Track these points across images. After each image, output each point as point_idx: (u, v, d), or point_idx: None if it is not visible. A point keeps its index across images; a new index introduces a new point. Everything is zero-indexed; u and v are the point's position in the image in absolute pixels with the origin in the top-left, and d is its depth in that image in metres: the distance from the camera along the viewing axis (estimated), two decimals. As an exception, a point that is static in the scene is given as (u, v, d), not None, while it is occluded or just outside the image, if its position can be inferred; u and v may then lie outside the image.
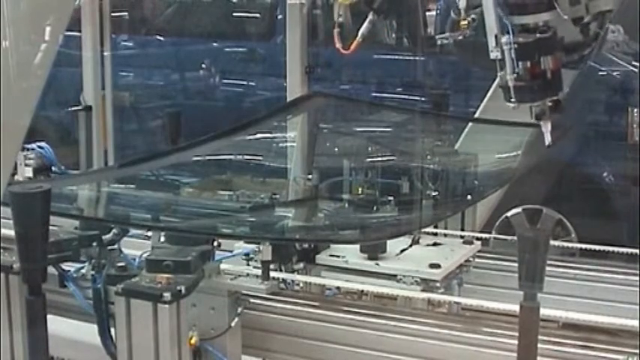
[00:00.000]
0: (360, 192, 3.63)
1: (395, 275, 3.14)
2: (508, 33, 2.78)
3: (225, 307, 2.94)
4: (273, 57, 5.96)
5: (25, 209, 2.62)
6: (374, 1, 3.65)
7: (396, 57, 6.13)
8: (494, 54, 2.85)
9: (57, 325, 3.05)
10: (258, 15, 6.77)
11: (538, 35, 2.79)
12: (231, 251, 3.16)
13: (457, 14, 3.23)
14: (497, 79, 2.91)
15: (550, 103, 2.88)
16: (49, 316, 2.77)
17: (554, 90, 2.87)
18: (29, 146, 3.45)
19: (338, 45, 3.55)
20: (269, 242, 3.02)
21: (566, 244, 4.34)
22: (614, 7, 2.91)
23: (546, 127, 2.92)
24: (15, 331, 2.94)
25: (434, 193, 3.68)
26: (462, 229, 3.79)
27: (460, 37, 3.38)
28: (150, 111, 6.53)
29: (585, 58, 3.16)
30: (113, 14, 5.20)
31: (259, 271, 3.02)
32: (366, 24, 3.60)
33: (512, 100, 2.86)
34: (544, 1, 2.81)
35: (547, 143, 2.90)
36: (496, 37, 2.83)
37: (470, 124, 4.17)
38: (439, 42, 3.53)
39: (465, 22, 3.15)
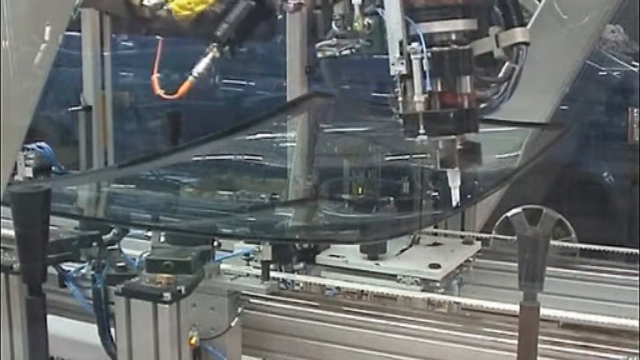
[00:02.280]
0: (359, 192, 3.63)
1: (395, 275, 3.14)
2: (415, 41, 2.26)
3: (225, 307, 2.94)
4: (272, 57, 5.96)
5: (25, 209, 2.62)
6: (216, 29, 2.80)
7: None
8: (397, 68, 2.28)
9: (57, 325, 3.05)
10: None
11: (456, 47, 2.29)
12: (231, 251, 3.16)
13: (350, 11, 2.46)
14: (396, 106, 2.37)
15: (461, 146, 2.37)
16: (49, 316, 2.77)
17: (472, 124, 2.34)
18: (29, 146, 3.45)
19: (158, 91, 2.85)
20: (269, 242, 3.02)
21: (566, 244, 4.34)
22: (529, 39, 2.42)
23: (454, 179, 2.43)
24: (15, 331, 2.94)
25: (434, 193, 3.67)
26: (462, 229, 3.79)
27: (347, 51, 2.55)
28: (150, 111, 6.52)
29: (495, 100, 2.58)
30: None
31: (259, 271, 3.02)
32: (205, 60, 2.83)
33: (420, 131, 2.29)
34: (459, 6, 2.31)
35: (454, 203, 2.45)
36: (400, 43, 2.26)
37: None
38: (319, 54, 2.63)
39: (360, 25, 2.42)
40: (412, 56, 2.25)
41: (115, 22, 4.85)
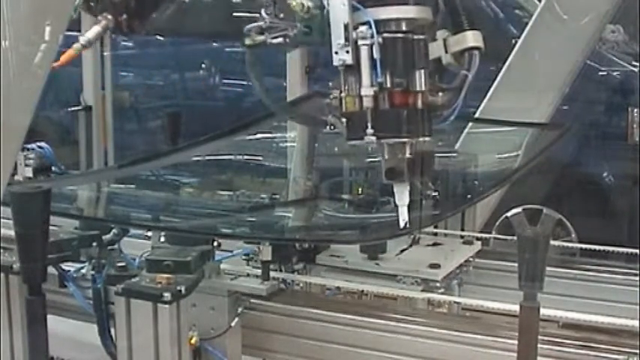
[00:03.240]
0: (359, 192, 3.63)
1: (395, 275, 3.14)
2: (364, 24, 2.00)
3: (225, 307, 2.94)
4: (272, 57, 5.95)
5: (25, 209, 2.62)
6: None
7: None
8: (342, 57, 2.00)
9: (57, 325, 3.05)
10: (257, 15, 6.76)
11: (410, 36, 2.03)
12: (231, 251, 3.16)
13: None
14: (339, 102, 2.07)
15: (409, 154, 2.09)
16: (49, 316, 2.77)
17: (428, 128, 2.09)
18: (29, 146, 3.45)
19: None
20: (269, 242, 3.02)
21: (566, 244, 4.34)
22: (482, 44, 2.16)
23: (401, 195, 2.17)
24: (15, 331, 2.94)
25: (434, 193, 3.67)
26: (462, 229, 3.79)
27: (280, 39, 2.22)
28: (150, 111, 6.53)
29: (447, 111, 2.21)
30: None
31: (259, 271, 3.02)
32: (95, 28, 2.64)
33: (368, 130, 2.02)
34: None
35: (402, 224, 2.19)
36: (346, 27, 1.99)
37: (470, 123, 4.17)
38: (247, 41, 2.28)
39: (298, 5, 2.09)
40: (360, 42, 1.99)
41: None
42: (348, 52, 2.01)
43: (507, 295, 2.85)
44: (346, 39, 2.00)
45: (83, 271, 3.06)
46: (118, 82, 5.46)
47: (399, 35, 2.03)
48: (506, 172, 3.63)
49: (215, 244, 3.01)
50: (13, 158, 2.76)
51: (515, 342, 2.30)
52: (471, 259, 3.43)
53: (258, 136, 3.64)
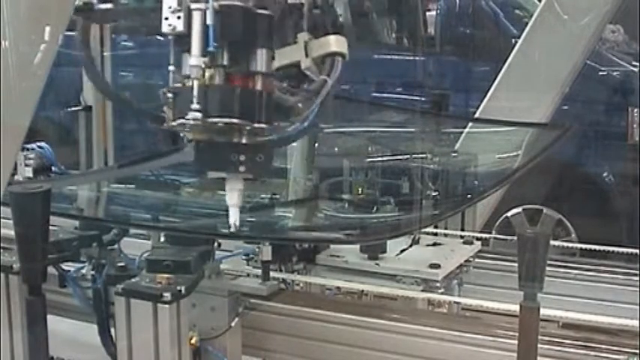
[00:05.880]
0: (359, 192, 3.63)
1: (395, 275, 3.14)
2: None
3: (225, 307, 2.94)
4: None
5: (25, 209, 2.62)
6: None
7: (396, 57, 6.14)
8: (172, 22, 1.79)
9: (57, 325, 3.05)
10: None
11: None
12: (231, 251, 3.16)
13: None
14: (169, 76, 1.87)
15: (248, 141, 1.88)
16: (49, 316, 2.77)
17: (266, 115, 1.88)
18: (29, 146, 3.45)
19: None
20: (269, 242, 3.02)
21: (566, 244, 4.34)
22: (346, 50, 2.05)
23: (232, 188, 1.98)
24: (15, 331, 2.94)
25: (434, 193, 3.68)
26: (462, 229, 3.79)
27: (109, 4, 2.02)
28: (150, 110, 6.52)
29: (303, 117, 2.07)
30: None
31: (259, 271, 3.02)
32: None
33: (193, 106, 1.80)
34: None
35: (232, 227, 2.06)
36: None
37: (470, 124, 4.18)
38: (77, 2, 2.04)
39: None
40: (193, 5, 1.81)
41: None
42: (179, 17, 1.81)
43: (507, 295, 2.85)
44: (179, 3, 1.81)
45: (83, 271, 3.06)
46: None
47: (239, 4, 1.84)
48: (507, 172, 3.63)
49: (215, 244, 3.01)
50: (13, 158, 2.76)
51: (515, 342, 2.30)
52: (470, 259, 3.43)
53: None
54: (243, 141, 1.92)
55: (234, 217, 2.05)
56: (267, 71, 1.90)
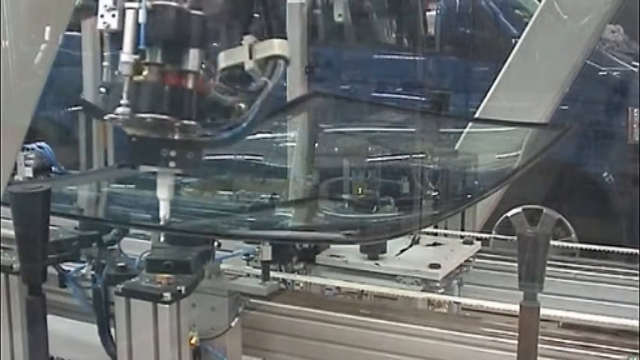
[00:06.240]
0: (359, 192, 3.63)
1: (395, 275, 3.14)
2: None
3: (225, 307, 2.94)
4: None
5: (25, 209, 2.62)
6: None
7: (396, 57, 6.14)
8: (107, 20, 1.89)
9: (57, 325, 3.05)
10: (257, 15, 6.76)
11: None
12: (231, 251, 3.16)
13: None
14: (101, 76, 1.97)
15: (178, 139, 1.95)
16: (49, 316, 2.77)
17: (193, 112, 1.97)
18: (29, 146, 3.45)
19: None
20: (268, 242, 3.02)
21: (566, 244, 4.34)
22: (288, 54, 2.08)
23: (162, 183, 2.06)
24: (15, 331, 2.94)
25: (434, 193, 3.68)
26: (462, 229, 3.79)
27: None
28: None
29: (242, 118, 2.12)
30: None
31: (259, 271, 3.02)
32: None
33: (123, 101, 1.89)
34: None
35: (162, 220, 2.13)
36: None
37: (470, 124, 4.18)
38: None
39: None
40: (127, 4, 1.88)
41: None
42: (114, 15, 1.89)
43: (507, 295, 2.86)
44: (114, 1, 1.89)
45: (83, 271, 3.06)
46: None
47: (172, 4, 1.91)
48: (506, 172, 3.64)
49: (215, 244, 3.01)
50: (13, 158, 2.76)
51: (515, 342, 2.30)
52: (470, 259, 3.43)
53: (258, 136, 3.64)
54: (176, 137, 2.00)
55: (164, 211, 2.12)
56: (198, 70, 1.98)
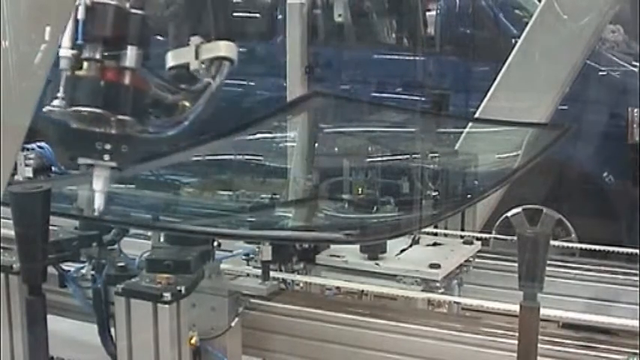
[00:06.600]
0: (359, 192, 3.63)
1: (395, 275, 3.14)
2: None
3: (225, 307, 2.94)
4: (273, 57, 5.96)
5: (25, 209, 2.62)
6: None
7: (396, 56, 6.14)
8: None
9: (57, 325, 3.05)
10: (258, 15, 6.77)
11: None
12: (231, 251, 3.16)
13: None
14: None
15: (113, 133, 2.02)
16: (49, 316, 2.77)
17: (129, 109, 2.04)
18: (29, 146, 3.45)
19: None
20: (268, 242, 3.02)
21: (566, 244, 4.34)
22: (234, 57, 2.12)
23: (99, 176, 2.11)
24: (15, 331, 2.94)
25: (434, 193, 3.68)
26: (462, 229, 3.79)
27: None
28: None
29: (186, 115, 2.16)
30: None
31: (259, 271, 3.02)
32: None
33: (59, 94, 2.03)
34: None
35: (96, 211, 2.16)
36: None
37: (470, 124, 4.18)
38: None
39: None
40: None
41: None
42: None
43: (507, 295, 2.86)
44: None
45: (83, 271, 3.06)
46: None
47: (112, 2, 2.01)
48: (506, 172, 3.64)
49: (215, 244, 3.01)
50: (13, 158, 2.76)
51: (515, 342, 2.30)
52: (470, 259, 3.43)
53: (259, 136, 3.64)
54: (112, 132, 2.07)
55: (99, 202, 2.19)
56: (137, 68, 2.05)
